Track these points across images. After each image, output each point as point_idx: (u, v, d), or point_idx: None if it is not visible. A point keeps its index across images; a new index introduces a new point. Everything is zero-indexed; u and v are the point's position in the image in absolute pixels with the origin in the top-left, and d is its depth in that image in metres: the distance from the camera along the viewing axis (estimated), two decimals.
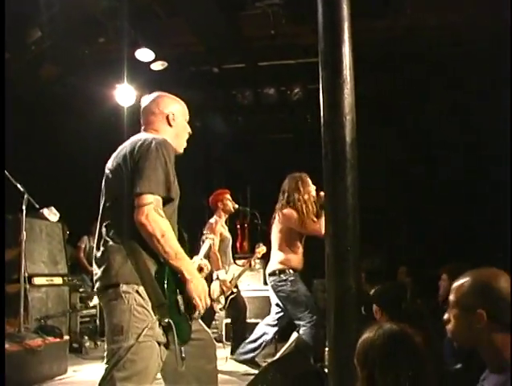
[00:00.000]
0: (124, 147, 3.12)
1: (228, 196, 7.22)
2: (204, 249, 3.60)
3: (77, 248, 9.89)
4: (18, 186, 6.41)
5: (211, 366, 3.27)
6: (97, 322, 8.73)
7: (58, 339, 6.52)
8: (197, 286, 2.97)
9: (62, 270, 8.06)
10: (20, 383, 5.77)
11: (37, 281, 7.38)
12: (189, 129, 3.41)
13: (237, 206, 7.14)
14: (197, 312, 3.03)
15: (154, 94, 3.38)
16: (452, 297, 2.33)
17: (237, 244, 10.11)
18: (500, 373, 2.17)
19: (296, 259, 6.09)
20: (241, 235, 10.18)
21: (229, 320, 8.08)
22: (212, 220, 7.11)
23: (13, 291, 6.70)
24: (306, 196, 6.02)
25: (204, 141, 10.53)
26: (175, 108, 3.34)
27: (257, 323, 6.76)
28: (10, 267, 6.80)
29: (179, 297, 2.98)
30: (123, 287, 2.88)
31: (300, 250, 6.15)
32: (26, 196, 6.49)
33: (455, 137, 10.06)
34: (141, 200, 2.86)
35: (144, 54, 8.46)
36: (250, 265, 7.25)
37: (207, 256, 4.57)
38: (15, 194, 6.49)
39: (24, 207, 6.49)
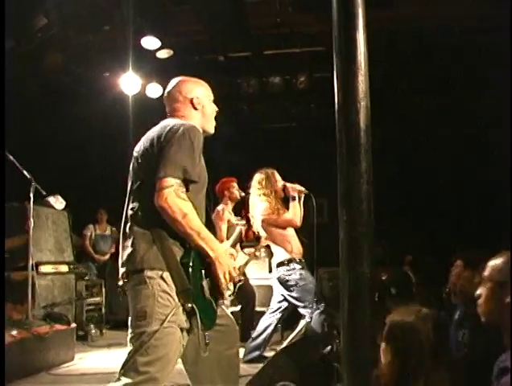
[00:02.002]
0: (153, 131, 3.12)
1: (234, 184, 7.25)
2: (234, 236, 3.60)
3: (83, 236, 9.91)
4: (26, 173, 6.39)
5: (232, 351, 3.28)
6: (103, 310, 8.76)
7: (65, 327, 6.55)
8: (222, 264, 2.97)
9: (68, 258, 8.08)
10: (28, 370, 5.81)
11: (43, 268, 7.40)
12: (216, 108, 3.40)
13: (243, 194, 7.14)
14: (227, 292, 3.03)
15: (176, 80, 3.36)
16: (487, 273, 2.43)
17: (243, 232, 10.10)
18: None
19: (297, 244, 6.13)
20: (247, 223, 10.16)
21: (234, 308, 8.10)
22: (219, 208, 7.13)
23: (20, 279, 6.72)
24: (276, 191, 6.11)
25: None
26: (199, 91, 3.32)
27: (262, 312, 6.77)
28: (17, 255, 6.82)
29: (205, 283, 2.98)
30: (147, 273, 2.89)
31: (294, 234, 6.18)
32: (33, 184, 6.47)
33: (460, 125, 10.06)
34: (161, 184, 2.86)
35: (150, 42, 8.44)
36: (255, 255, 7.28)
37: (236, 243, 4.58)
38: (22, 181, 6.46)
39: (32, 195, 6.47)
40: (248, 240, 9.56)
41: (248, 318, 7.36)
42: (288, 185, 6.04)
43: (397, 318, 2.44)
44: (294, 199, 5.93)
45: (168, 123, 3.09)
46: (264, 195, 6.10)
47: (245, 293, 7.18)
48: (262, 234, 6.20)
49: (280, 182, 6.13)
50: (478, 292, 2.44)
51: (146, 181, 3.00)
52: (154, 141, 3.01)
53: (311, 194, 5.87)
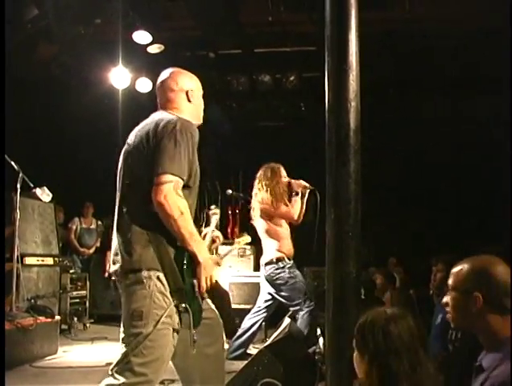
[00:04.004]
0: (147, 124, 3.10)
1: None
2: (213, 224, 3.60)
3: (68, 229, 9.88)
4: (13, 164, 6.37)
5: (218, 345, 3.30)
6: (87, 303, 8.75)
7: (49, 319, 6.54)
8: (206, 270, 2.98)
9: (53, 251, 8.03)
10: (11, 362, 5.76)
11: (28, 260, 7.34)
12: (203, 105, 3.42)
13: (230, 191, 7.13)
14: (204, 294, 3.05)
15: (170, 70, 3.35)
16: (450, 281, 2.42)
17: (228, 230, 10.14)
18: (497, 351, 2.25)
19: (289, 245, 6.14)
20: (233, 220, 10.19)
21: None
22: None
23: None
24: (279, 184, 6.09)
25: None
26: (193, 85, 3.34)
27: (246, 309, 6.78)
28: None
29: (195, 281, 2.99)
30: (145, 273, 2.88)
31: (289, 234, 6.19)
32: (20, 175, 6.45)
33: (448, 126, 10.12)
34: (160, 179, 2.84)
35: (141, 36, 8.40)
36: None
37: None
38: (9, 172, 6.44)
39: (19, 186, 6.45)
40: (233, 238, 9.59)
41: (226, 316, 7.33)
42: (293, 181, 6.07)
43: (364, 321, 2.42)
44: (297, 194, 5.96)
45: (163, 117, 3.07)
46: (266, 185, 6.09)
47: (217, 293, 7.14)
48: (257, 225, 6.17)
49: (285, 178, 6.14)
50: (444, 300, 2.46)
51: (142, 177, 2.97)
52: (150, 136, 2.99)
53: (315, 190, 5.85)
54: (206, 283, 2.99)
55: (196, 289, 2.99)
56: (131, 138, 3.14)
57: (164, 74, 3.35)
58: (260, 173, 6.22)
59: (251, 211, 6.30)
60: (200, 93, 3.39)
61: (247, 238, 6.54)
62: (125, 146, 3.16)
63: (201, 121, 3.38)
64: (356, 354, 2.42)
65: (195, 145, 3.02)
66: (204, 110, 3.46)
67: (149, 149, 2.97)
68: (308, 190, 5.97)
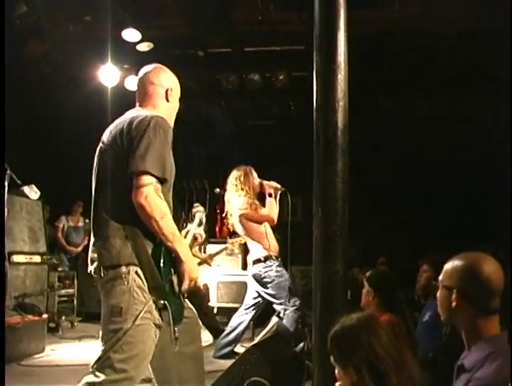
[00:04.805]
0: (121, 122, 3.08)
1: None
2: (196, 221, 3.60)
3: (55, 227, 9.83)
4: None
5: (197, 344, 3.32)
6: (75, 302, 8.72)
7: (37, 318, 6.52)
8: (191, 269, 2.98)
9: (41, 249, 8.00)
10: None
11: (16, 258, 7.31)
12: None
13: (218, 190, 7.12)
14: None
15: (152, 66, 3.35)
16: (440, 277, 2.46)
17: (217, 229, 10.13)
18: (479, 350, 2.27)
19: (273, 242, 6.18)
20: (221, 219, 10.16)
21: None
22: None
23: None
24: (253, 187, 6.16)
25: (185, 125, 10.43)
26: (173, 84, 3.34)
27: (234, 308, 6.78)
28: None
29: (174, 278, 2.99)
30: (123, 268, 2.88)
31: (271, 231, 6.21)
32: (8, 172, 6.41)
33: (443, 126, 10.15)
34: (140, 181, 2.84)
35: (131, 34, 8.37)
36: (227, 248, 7.18)
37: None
38: None
39: (6, 184, 6.42)
40: (221, 237, 9.59)
41: (206, 315, 7.27)
42: (265, 182, 6.10)
43: (337, 327, 2.37)
44: (270, 195, 5.99)
45: (138, 114, 3.05)
46: (242, 190, 6.13)
47: (197, 294, 7.13)
48: (238, 230, 6.21)
49: (257, 180, 6.17)
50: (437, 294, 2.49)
51: (117, 175, 2.97)
52: (124, 133, 2.98)
53: (286, 191, 5.90)
54: (190, 284, 2.99)
55: (176, 287, 2.99)
56: (105, 136, 3.13)
57: (146, 68, 3.36)
58: (232, 177, 6.25)
59: (228, 217, 6.29)
60: (178, 95, 3.38)
61: (241, 239, 6.57)
62: (100, 144, 3.15)
63: (172, 125, 3.31)
64: (338, 370, 2.36)
65: (169, 142, 3.01)
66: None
67: (123, 147, 2.96)
68: (280, 192, 6.01)
